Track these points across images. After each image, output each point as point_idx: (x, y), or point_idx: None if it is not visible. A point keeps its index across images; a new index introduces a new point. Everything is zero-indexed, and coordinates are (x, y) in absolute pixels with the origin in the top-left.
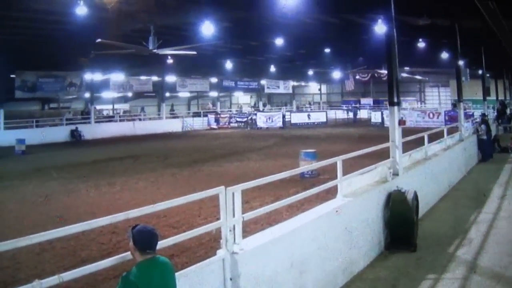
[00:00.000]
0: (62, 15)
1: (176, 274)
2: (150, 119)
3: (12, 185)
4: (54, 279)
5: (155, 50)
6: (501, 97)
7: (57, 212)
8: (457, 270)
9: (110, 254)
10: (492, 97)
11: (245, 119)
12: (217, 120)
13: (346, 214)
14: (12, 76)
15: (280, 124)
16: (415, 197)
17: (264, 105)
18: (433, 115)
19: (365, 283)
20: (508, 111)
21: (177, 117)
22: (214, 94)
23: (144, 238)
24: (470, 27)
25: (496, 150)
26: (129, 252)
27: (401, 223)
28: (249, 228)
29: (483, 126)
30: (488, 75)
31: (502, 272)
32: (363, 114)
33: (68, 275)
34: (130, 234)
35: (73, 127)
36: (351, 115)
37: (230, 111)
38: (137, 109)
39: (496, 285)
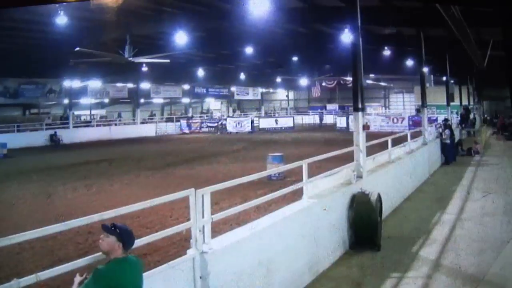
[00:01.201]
0: (43, 24)
1: (149, 272)
2: (125, 124)
3: None
4: (32, 278)
5: (130, 58)
6: (465, 103)
7: (37, 213)
8: (421, 269)
9: (86, 253)
10: (457, 102)
11: (216, 124)
12: (189, 125)
13: (312, 215)
14: None
15: (249, 129)
16: (379, 198)
17: (234, 111)
18: (397, 120)
19: (331, 282)
20: (471, 116)
21: (151, 122)
22: (186, 100)
23: (130, 237)
24: (435, 35)
25: (460, 153)
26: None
27: (365, 223)
28: (218, 228)
29: (447, 131)
30: (452, 81)
31: (465, 271)
32: (328, 119)
33: (45, 274)
34: (110, 228)
35: (52, 132)
36: (317, 120)
37: (201, 116)
38: (113, 114)
39: (459, 283)
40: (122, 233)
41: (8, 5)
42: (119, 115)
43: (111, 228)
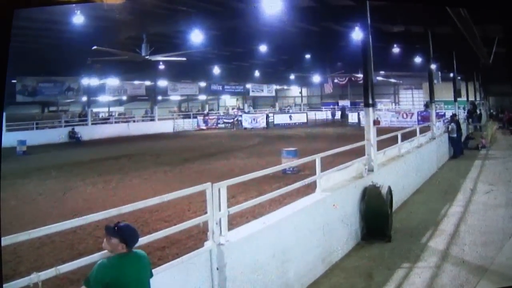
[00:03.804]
0: (60, 23)
1: (167, 264)
2: (143, 120)
3: (14, 183)
4: (51, 271)
5: (147, 57)
6: (471, 98)
7: (57, 209)
8: (430, 259)
9: None
10: (464, 98)
11: (232, 120)
12: (205, 121)
13: (325, 208)
14: (13, 81)
15: (264, 124)
16: (389, 191)
17: (250, 107)
18: (407, 115)
19: (343, 272)
20: (478, 111)
21: (169, 118)
22: (203, 97)
23: (132, 235)
24: (442, 33)
25: (469, 145)
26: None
27: (376, 215)
28: (235, 221)
29: (452, 125)
30: (459, 77)
31: (472, 261)
32: (340, 115)
33: (65, 267)
34: (113, 231)
35: (71, 128)
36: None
37: (218, 113)
38: (132, 111)
39: (467, 273)
40: (125, 234)
41: (21, 6)
42: (146, 112)
43: (114, 230)
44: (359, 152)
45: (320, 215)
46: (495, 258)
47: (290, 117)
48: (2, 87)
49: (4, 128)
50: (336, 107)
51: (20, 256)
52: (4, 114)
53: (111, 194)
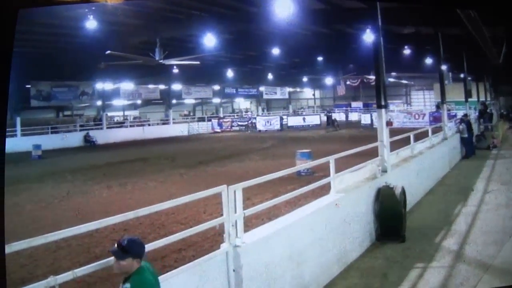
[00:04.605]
0: (74, 28)
1: (184, 266)
2: (158, 124)
3: (30, 187)
4: (68, 275)
5: (161, 61)
6: (482, 99)
7: (72, 212)
8: (444, 259)
9: None
10: (474, 98)
11: (246, 123)
12: (220, 124)
13: (340, 209)
14: (27, 86)
15: (278, 127)
16: (403, 191)
17: (263, 110)
18: (419, 116)
19: (358, 272)
20: (488, 111)
21: (184, 122)
22: (217, 100)
23: (141, 246)
24: (452, 34)
25: (483, 143)
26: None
27: (390, 216)
28: (250, 223)
29: (463, 125)
30: (469, 78)
31: (487, 261)
32: (353, 116)
33: (81, 271)
34: (122, 252)
35: (86, 132)
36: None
37: (232, 115)
38: (146, 115)
39: (482, 273)
40: (135, 249)
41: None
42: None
43: (122, 250)
44: (372, 154)
45: (334, 216)
46: (510, 258)
47: (304, 119)
48: (5, 87)
49: (19, 132)
50: (348, 108)
51: (37, 259)
52: (19, 119)
53: (127, 197)
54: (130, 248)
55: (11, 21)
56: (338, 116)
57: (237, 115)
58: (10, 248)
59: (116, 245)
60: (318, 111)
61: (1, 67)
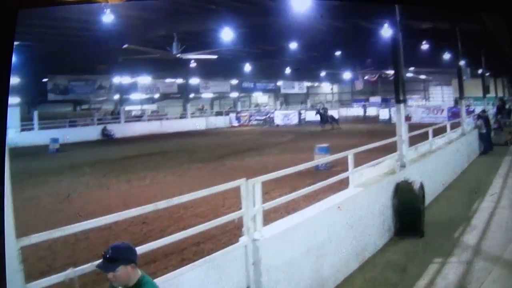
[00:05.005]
0: (90, 22)
1: (203, 259)
2: (175, 118)
3: (47, 180)
4: (87, 267)
5: (178, 55)
6: (500, 95)
7: (91, 205)
8: (462, 255)
9: (141, 243)
10: (492, 94)
11: (264, 117)
12: (238, 119)
13: (358, 203)
14: (44, 80)
15: (296, 121)
16: (421, 187)
17: (281, 104)
18: (437, 111)
19: (377, 267)
20: (507, 107)
21: (202, 116)
22: (235, 94)
23: (130, 251)
24: (470, 29)
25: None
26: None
27: (409, 211)
28: (269, 217)
29: (480, 121)
30: (488, 74)
31: (506, 257)
32: (372, 111)
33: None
34: (112, 262)
35: (104, 126)
36: (361, 112)
37: (250, 110)
38: (164, 109)
39: (500, 269)
40: (123, 255)
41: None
42: (203, 110)
43: (112, 260)
44: (391, 148)
45: (353, 211)
46: None
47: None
48: (7, 85)
49: (36, 126)
50: (366, 103)
51: (56, 252)
52: (36, 112)
53: (146, 191)
54: (116, 255)
55: (11, 21)
56: (357, 111)
57: (255, 110)
58: (29, 240)
59: (102, 259)
60: (336, 105)
61: (2, 66)
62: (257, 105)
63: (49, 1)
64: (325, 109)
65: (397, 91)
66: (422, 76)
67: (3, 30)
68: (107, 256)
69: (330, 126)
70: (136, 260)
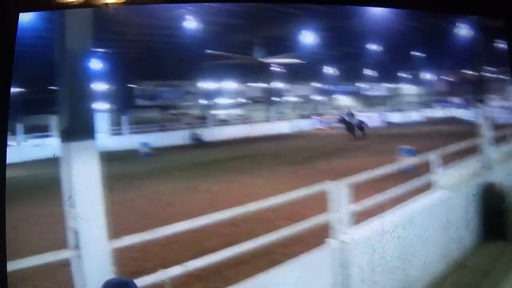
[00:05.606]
0: (173, 29)
1: (291, 261)
2: (260, 122)
3: (140, 184)
4: (179, 268)
5: (261, 59)
6: None
7: (180, 207)
8: None
9: (231, 244)
10: None
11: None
12: (321, 121)
13: (443, 206)
14: (131, 86)
15: (378, 123)
16: (508, 189)
17: (363, 107)
18: None
19: (463, 271)
20: None
21: (286, 119)
22: (317, 97)
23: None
24: None
25: None
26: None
27: (494, 214)
28: (355, 220)
29: None
30: None
31: None
32: (453, 112)
33: (192, 264)
34: None
35: (192, 130)
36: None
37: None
38: (249, 113)
39: None
40: None
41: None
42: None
43: None
44: (476, 150)
45: (439, 214)
46: None
47: (404, 115)
48: (7, 91)
49: (125, 131)
50: (448, 104)
51: (147, 253)
52: (125, 117)
53: (234, 194)
54: None
55: (12, 24)
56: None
57: (336, 112)
58: (122, 242)
59: None
60: (418, 107)
61: (3, 71)
62: (339, 107)
63: (49, 5)
64: (351, 115)
65: (479, 92)
66: (504, 76)
67: (4, 33)
68: None
69: (361, 133)
70: None
